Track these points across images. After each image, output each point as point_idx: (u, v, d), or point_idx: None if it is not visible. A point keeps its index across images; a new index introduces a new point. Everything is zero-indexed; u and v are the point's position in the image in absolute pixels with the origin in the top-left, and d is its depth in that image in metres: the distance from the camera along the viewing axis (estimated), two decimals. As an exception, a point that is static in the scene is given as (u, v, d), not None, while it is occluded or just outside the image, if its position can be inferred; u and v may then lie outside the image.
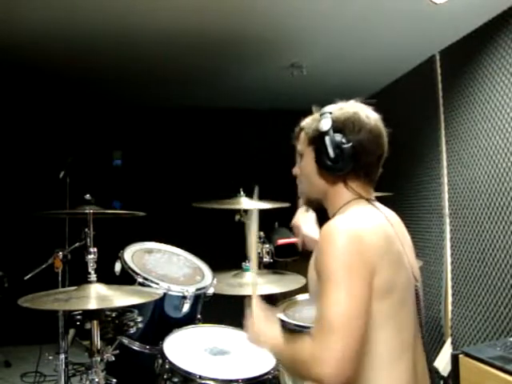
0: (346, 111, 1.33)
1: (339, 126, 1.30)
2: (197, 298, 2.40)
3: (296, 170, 1.46)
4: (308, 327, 2.20)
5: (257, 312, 1.38)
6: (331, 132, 1.29)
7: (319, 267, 1.19)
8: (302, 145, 1.41)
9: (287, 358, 1.25)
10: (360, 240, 1.17)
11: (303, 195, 1.45)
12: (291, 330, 2.26)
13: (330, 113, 1.33)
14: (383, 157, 1.36)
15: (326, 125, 1.31)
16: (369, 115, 1.33)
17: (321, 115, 1.34)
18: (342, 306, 1.11)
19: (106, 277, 2.07)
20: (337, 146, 1.28)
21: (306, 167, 1.39)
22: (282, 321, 2.30)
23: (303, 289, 2.50)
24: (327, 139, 1.29)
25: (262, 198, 2.78)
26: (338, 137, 1.29)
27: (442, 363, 2.89)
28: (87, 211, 2.12)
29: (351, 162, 1.29)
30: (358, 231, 1.19)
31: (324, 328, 1.11)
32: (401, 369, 1.23)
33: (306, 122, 1.41)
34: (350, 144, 1.28)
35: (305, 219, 1.81)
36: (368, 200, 1.34)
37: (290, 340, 1.24)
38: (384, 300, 1.19)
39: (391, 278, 1.20)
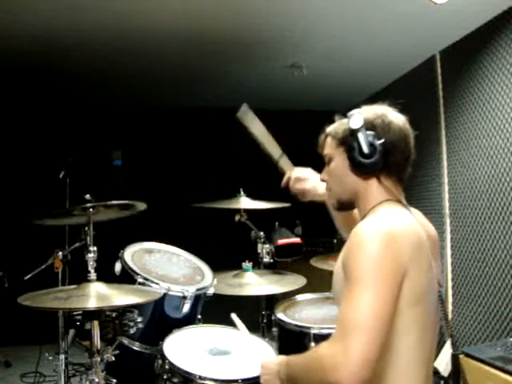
0: (374, 112, 1.34)
1: (370, 125, 1.31)
2: (197, 298, 2.39)
3: (324, 176, 1.45)
4: (308, 327, 2.20)
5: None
6: (363, 129, 1.30)
7: (348, 268, 1.17)
8: (329, 149, 1.40)
9: (300, 369, 1.21)
10: (393, 242, 1.16)
11: (334, 199, 1.42)
12: (291, 330, 2.26)
13: (360, 114, 1.33)
14: (411, 157, 1.37)
15: (358, 122, 1.30)
16: (397, 116, 1.35)
17: (350, 116, 1.33)
18: (370, 307, 1.09)
19: (106, 277, 2.07)
20: (371, 143, 1.29)
21: (336, 169, 1.38)
22: (282, 321, 2.29)
23: (303, 289, 2.50)
24: (360, 135, 1.29)
25: (262, 198, 2.80)
26: (370, 134, 1.29)
27: (443, 363, 2.89)
28: (88, 205, 2.10)
29: (383, 159, 1.29)
30: (392, 232, 1.18)
31: (348, 329, 1.08)
32: (421, 376, 1.21)
33: (333, 127, 1.41)
34: (382, 141, 1.29)
35: (304, 172, 1.78)
36: (399, 201, 1.33)
37: (301, 355, 1.23)
38: (414, 306, 1.18)
39: (422, 282, 1.19)
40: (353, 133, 1.31)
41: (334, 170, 1.40)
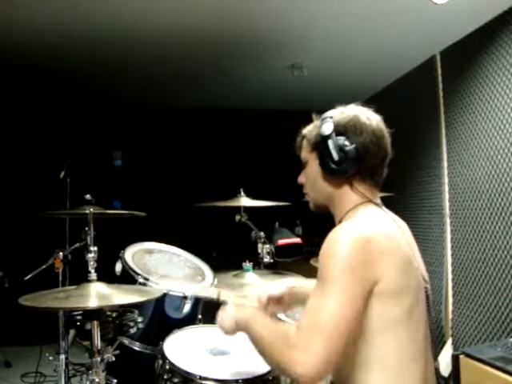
0: (346, 115, 1.33)
1: (341, 129, 1.30)
2: (197, 298, 2.39)
3: (301, 178, 1.45)
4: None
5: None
6: (333, 135, 1.30)
7: (320, 269, 1.19)
8: (305, 152, 1.41)
9: (261, 337, 1.24)
10: (366, 247, 1.17)
11: (311, 202, 1.44)
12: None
13: (331, 117, 1.33)
14: (387, 158, 1.35)
15: (328, 129, 1.31)
16: (370, 117, 1.33)
17: (322, 120, 1.34)
18: (335, 310, 1.11)
19: (107, 277, 2.07)
20: (340, 148, 1.28)
21: (310, 173, 1.39)
22: (282, 321, 2.29)
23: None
24: (330, 142, 1.30)
25: (262, 197, 2.80)
26: (341, 140, 1.29)
27: (443, 364, 2.89)
28: (87, 211, 2.11)
29: (355, 164, 1.29)
30: (365, 237, 1.19)
31: (310, 329, 1.12)
32: (412, 375, 1.21)
33: (308, 130, 1.40)
34: (353, 146, 1.28)
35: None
36: (376, 203, 1.33)
37: (273, 323, 1.26)
38: (393, 304, 1.18)
39: (400, 281, 1.19)
40: (323, 139, 1.32)
41: (308, 174, 1.41)
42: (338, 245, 1.18)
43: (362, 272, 1.15)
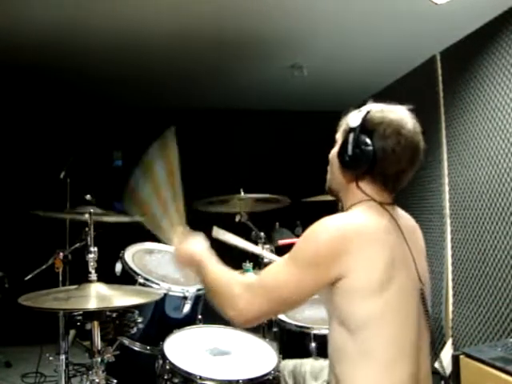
0: (384, 115, 1.29)
1: (370, 126, 1.28)
2: (197, 298, 2.39)
3: (330, 156, 1.44)
4: (308, 327, 2.21)
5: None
6: (358, 130, 1.28)
7: (295, 244, 1.27)
8: (338, 133, 1.40)
9: (213, 281, 1.36)
10: (340, 239, 1.21)
11: (327, 183, 1.45)
12: (291, 331, 2.26)
13: (368, 111, 1.31)
14: (405, 173, 1.31)
15: (355, 122, 1.30)
16: (407, 127, 1.28)
17: (359, 111, 1.33)
18: (286, 284, 1.23)
19: (107, 277, 2.07)
20: (358, 145, 1.27)
21: (333, 156, 1.40)
22: (283, 321, 2.30)
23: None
24: (351, 136, 1.29)
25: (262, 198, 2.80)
26: (364, 137, 1.27)
27: (443, 364, 2.88)
28: (86, 215, 2.12)
29: (367, 165, 1.27)
30: (343, 230, 1.22)
31: (260, 288, 1.27)
32: (400, 372, 1.21)
33: (351, 113, 1.37)
34: (372, 148, 1.26)
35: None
36: (381, 204, 1.30)
37: (225, 271, 1.37)
38: (375, 299, 1.19)
39: (385, 277, 1.20)
40: (349, 129, 1.31)
41: (332, 155, 1.41)
42: (314, 234, 1.24)
43: (326, 264, 1.20)
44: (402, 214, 1.39)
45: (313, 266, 1.21)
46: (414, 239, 1.36)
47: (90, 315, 1.91)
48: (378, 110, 1.32)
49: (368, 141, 1.26)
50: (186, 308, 2.33)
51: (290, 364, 1.82)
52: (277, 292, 1.25)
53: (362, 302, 1.19)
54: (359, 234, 1.22)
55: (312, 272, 1.21)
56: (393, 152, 1.26)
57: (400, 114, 1.31)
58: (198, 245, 1.49)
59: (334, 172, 1.39)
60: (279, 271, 1.28)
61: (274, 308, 1.29)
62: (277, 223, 2.85)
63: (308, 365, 1.75)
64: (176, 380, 1.80)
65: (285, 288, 1.24)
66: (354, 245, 1.20)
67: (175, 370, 1.81)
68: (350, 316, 1.21)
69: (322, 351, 1.91)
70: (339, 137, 1.38)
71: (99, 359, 1.89)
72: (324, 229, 1.24)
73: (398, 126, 1.27)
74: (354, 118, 1.31)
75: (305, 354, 2.05)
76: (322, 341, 2.09)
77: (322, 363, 1.69)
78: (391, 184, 1.31)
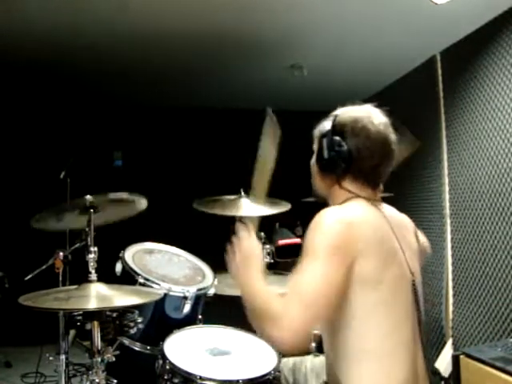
0: (350, 115, 1.35)
1: (340, 128, 1.33)
2: (198, 298, 2.39)
3: (310, 165, 1.50)
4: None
5: (250, 241, 1.46)
6: (329, 134, 1.33)
7: (305, 245, 1.26)
8: (314, 144, 1.45)
9: (258, 303, 1.29)
10: (348, 226, 1.22)
11: (313, 192, 1.49)
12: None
13: (336, 116, 1.36)
14: (382, 166, 1.35)
15: (326, 127, 1.36)
16: (374, 122, 1.33)
17: (328, 117, 1.39)
18: (315, 282, 1.19)
19: (107, 277, 2.07)
20: (332, 147, 1.32)
21: (313, 164, 1.45)
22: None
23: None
24: (324, 141, 1.34)
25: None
26: (337, 139, 1.32)
27: (443, 364, 2.88)
28: (87, 201, 2.12)
29: (345, 164, 1.32)
30: (348, 218, 1.25)
31: (293, 297, 1.20)
32: (395, 364, 1.23)
33: (321, 124, 1.44)
34: (346, 147, 1.30)
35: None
36: (368, 199, 1.35)
37: (266, 291, 1.31)
38: (370, 291, 1.21)
39: (379, 269, 1.22)
40: (322, 136, 1.37)
41: (312, 165, 1.46)
42: (322, 225, 1.24)
43: (343, 249, 1.20)
44: (389, 209, 1.42)
45: (331, 255, 1.20)
46: (403, 233, 1.39)
47: (90, 315, 1.92)
48: (346, 111, 1.38)
49: (341, 141, 1.31)
50: (186, 308, 2.33)
51: (289, 362, 1.83)
52: (310, 295, 1.19)
53: (361, 292, 1.21)
54: (361, 222, 1.26)
55: (332, 261, 1.20)
56: (365, 148, 1.31)
57: (366, 111, 1.36)
58: (260, 256, 1.45)
59: (316, 179, 1.43)
60: (305, 275, 1.23)
61: (312, 313, 1.19)
62: (277, 223, 2.85)
63: (308, 362, 1.76)
64: (176, 380, 1.80)
65: (317, 287, 1.19)
66: (359, 231, 1.23)
67: (175, 370, 1.81)
68: (351, 308, 1.22)
69: (322, 349, 1.92)
70: (314, 147, 1.44)
71: (99, 359, 1.89)
72: (329, 217, 1.26)
73: (365, 123, 1.33)
74: (324, 125, 1.37)
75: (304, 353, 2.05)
76: (322, 340, 2.08)
77: (322, 359, 1.69)
78: (372, 179, 1.36)
